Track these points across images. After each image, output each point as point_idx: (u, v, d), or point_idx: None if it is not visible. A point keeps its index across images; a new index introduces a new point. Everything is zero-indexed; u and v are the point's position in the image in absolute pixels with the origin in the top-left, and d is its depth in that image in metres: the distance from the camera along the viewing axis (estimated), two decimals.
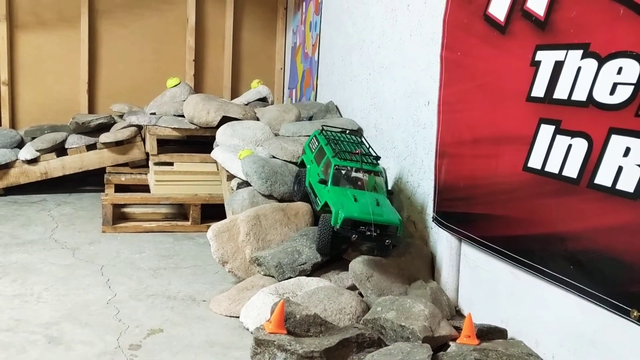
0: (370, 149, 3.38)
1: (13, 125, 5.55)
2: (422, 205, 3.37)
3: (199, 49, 5.97)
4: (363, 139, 3.50)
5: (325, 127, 3.56)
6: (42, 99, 5.65)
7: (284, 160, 3.85)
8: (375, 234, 2.85)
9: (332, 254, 3.12)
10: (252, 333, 2.49)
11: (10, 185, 4.80)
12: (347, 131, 3.62)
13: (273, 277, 3.12)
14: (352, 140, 3.45)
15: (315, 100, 5.12)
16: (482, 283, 2.87)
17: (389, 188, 3.32)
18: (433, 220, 3.16)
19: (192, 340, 2.65)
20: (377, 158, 3.29)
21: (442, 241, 3.11)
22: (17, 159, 4.80)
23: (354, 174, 3.15)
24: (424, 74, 3.34)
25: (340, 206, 2.88)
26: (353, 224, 2.84)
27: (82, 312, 2.86)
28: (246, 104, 4.74)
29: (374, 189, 3.15)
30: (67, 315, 2.82)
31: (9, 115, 5.56)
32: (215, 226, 3.30)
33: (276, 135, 4.26)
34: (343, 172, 3.14)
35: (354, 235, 2.84)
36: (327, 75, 4.94)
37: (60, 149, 4.87)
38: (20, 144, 4.98)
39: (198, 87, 5.93)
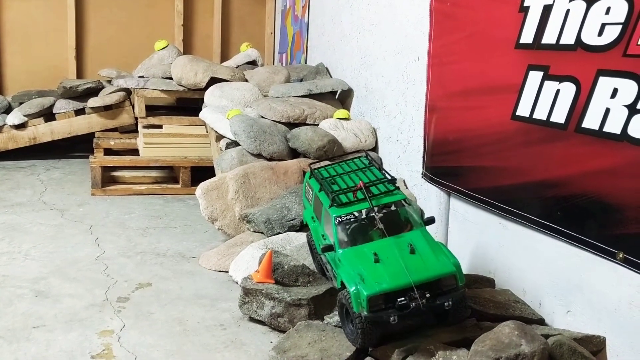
0: (383, 172, 2.35)
1: (1, 92, 5.47)
2: (411, 162, 3.36)
3: (187, 14, 5.88)
4: (369, 158, 2.44)
5: (313, 167, 2.45)
6: (29, 65, 5.57)
7: (273, 121, 3.82)
8: (423, 301, 1.92)
9: (379, 342, 2.02)
10: (240, 284, 2.49)
11: None
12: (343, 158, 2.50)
13: (262, 233, 3.11)
14: (354, 169, 2.39)
15: (306, 63, 5.07)
16: (471, 236, 2.87)
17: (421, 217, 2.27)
18: (422, 176, 3.15)
19: (181, 294, 2.65)
20: (393, 181, 2.28)
21: (431, 197, 3.10)
22: (4, 125, 4.76)
23: (369, 217, 2.13)
24: (413, 28, 3.30)
25: (358, 280, 1.96)
26: (385, 298, 1.93)
27: (70, 268, 2.86)
28: (235, 68, 4.69)
29: (407, 225, 2.16)
30: (55, 271, 2.81)
31: None
32: (203, 184, 3.29)
33: (265, 96, 4.22)
34: (351, 221, 2.13)
35: (392, 317, 1.91)
36: (317, 37, 4.89)
37: (48, 115, 4.83)
38: (8, 110, 4.93)
39: (187, 52, 5.84)
